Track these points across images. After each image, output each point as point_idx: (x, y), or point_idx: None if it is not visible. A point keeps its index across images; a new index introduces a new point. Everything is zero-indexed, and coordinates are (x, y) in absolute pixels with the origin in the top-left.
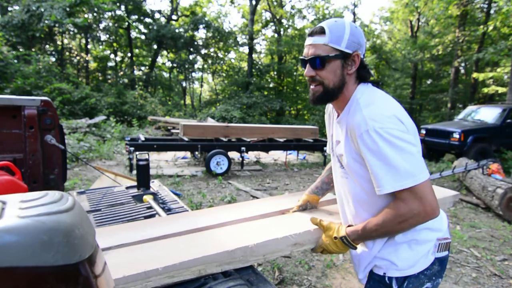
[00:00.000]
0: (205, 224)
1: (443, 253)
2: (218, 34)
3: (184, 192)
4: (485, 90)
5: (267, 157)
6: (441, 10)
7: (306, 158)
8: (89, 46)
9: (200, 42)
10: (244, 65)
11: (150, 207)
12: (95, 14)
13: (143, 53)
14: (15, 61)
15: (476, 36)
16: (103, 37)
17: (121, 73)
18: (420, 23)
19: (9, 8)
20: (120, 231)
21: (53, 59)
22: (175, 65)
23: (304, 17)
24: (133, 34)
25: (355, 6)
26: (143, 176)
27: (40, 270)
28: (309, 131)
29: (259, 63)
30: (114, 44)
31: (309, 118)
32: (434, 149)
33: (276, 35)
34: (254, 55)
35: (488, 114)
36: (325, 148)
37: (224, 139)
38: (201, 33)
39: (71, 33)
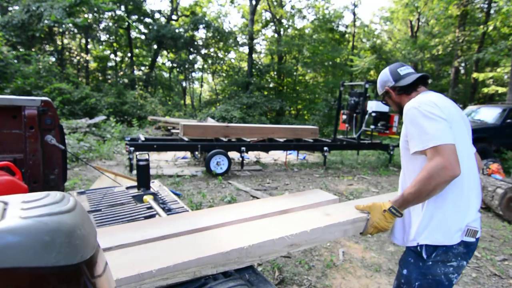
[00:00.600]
0: (204, 225)
1: (470, 238)
2: (218, 34)
3: (184, 192)
4: (485, 90)
5: (267, 157)
6: (441, 10)
7: (306, 158)
8: (89, 46)
9: (200, 42)
10: (244, 65)
11: (150, 207)
12: (95, 14)
13: (143, 53)
14: (15, 61)
15: (476, 36)
16: (103, 37)
17: (121, 73)
18: (420, 23)
19: (9, 8)
20: (118, 231)
21: (53, 59)
22: (175, 65)
23: (304, 17)
24: (133, 34)
25: (355, 6)
26: (143, 176)
27: (42, 270)
28: (309, 131)
29: (259, 63)
30: (114, 44)
31: (309, 118)
32: None
33: (276, 35)
34: (254, 55)
35: (488, 114)
36: (325, 148)
37: (224, 139)
38: (201, 33)
39: (71, 33)
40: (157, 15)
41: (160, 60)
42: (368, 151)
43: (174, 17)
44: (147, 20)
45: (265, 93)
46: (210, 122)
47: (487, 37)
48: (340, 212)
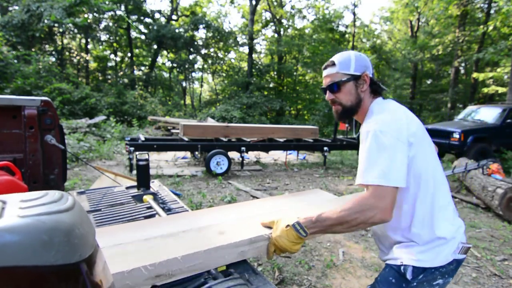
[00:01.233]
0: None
1: (462, 256)
2: (218, 34)
3: (184, 192)
4: (485, 90)
5: (267, 157)
6: (441, 10)
7: (306, 158)
8: (89, 46)
9: (200, 42)
10: (244, 65)
11: (150, 207)
12: (95, 14)
13: (143, 53)
14: (15, 61)
15: (476, 36)
16: (103, 37)
17: (121, 73)
18: (420, 23)
19: (9, 8)
20: (117, 231)
21: (53, 59)
22: (175, 65)
23: (304, 17)
24: (133, 34)
25: (355, 6)
26: (143, 176)
27: (41, 269)
28: (309, 131)
29: (259, 63)
30: (114, 44)
31: (309, 118)
32: None
33: (276, 35)
34: (254, 55)
35: (488, 114)
36: (325, 148)
37: (224, 139)
38: (201, 33)
39: (71, 33)
40: (157, 15)
41: (160, 60)
42: None
43: (174, 17)
44: (147, 20)
45: (265, 93)
46: (210, 122)
47: (487, 37)
48: (238, 230)
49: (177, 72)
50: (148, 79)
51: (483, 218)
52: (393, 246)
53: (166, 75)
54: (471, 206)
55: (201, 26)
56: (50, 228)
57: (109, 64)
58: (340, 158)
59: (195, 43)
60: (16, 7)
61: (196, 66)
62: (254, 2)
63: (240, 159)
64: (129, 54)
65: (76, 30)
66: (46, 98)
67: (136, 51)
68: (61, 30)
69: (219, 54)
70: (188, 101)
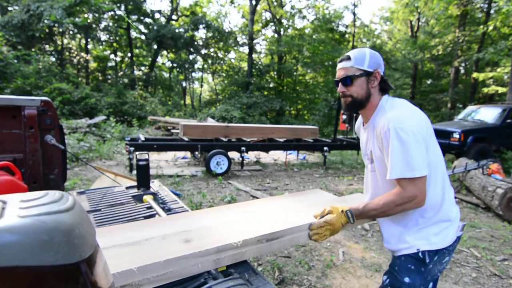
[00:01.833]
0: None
1: (461, 233)
2: (218, 34)
3: (184, 192)
4: (485, 90)
5: (267, 157)
6: (441, 10)
7: (306, 158)
8: (89, 46)
9: (200, 42)
10: (244, 65)
11: (150, 207)
12: (95, 14)
13: (143, 53)
14: (15, 61)
15: (476, 36)
16: (103, 37)
17: (121, 73)
18: (420, 23)
19: (9, 8)
20: (117, 231)
21: (53, 59)
22: (175, 65)
23: (304, 17)
24: (133, 34)
25: (355, 6)
26: (143, 176)
27: (41, 269)
28: (309, 131)
29: (259, 63)
30: (114, 44)
31: (309, 118)
32: None
33: (276, 35)
34: (254, 55)
35: (488, 114)
36: (325, 148)
37: (224, 139)
38: (201, 33)
39: (71, 33)
40: (157, 15)
41: (160, 60)
42: None
43: (174, 17)
44: (147, 20)
45: (265, 93)
46: (210, 122)
47: (487, 37)
48: (205, 238)
49: (177, 72)
50: (148, 79)
51: (483, 218)
52: (403, 234)
53: (166, 75)
54: (471, 206)
55: (201, 26)
56: (51, 228)
57: (109, 64)
58: (340, 158)
59: (195, 43)
60: (16, 7)
61: (196, 66)
62: (254, 2)
63: (240, 159)
64: (129, 54)
65: (76, 30)
66: (46, 98)
67: (136, 51)
68: (61, 30)
69: (219, 54)
70: (188, 101)
